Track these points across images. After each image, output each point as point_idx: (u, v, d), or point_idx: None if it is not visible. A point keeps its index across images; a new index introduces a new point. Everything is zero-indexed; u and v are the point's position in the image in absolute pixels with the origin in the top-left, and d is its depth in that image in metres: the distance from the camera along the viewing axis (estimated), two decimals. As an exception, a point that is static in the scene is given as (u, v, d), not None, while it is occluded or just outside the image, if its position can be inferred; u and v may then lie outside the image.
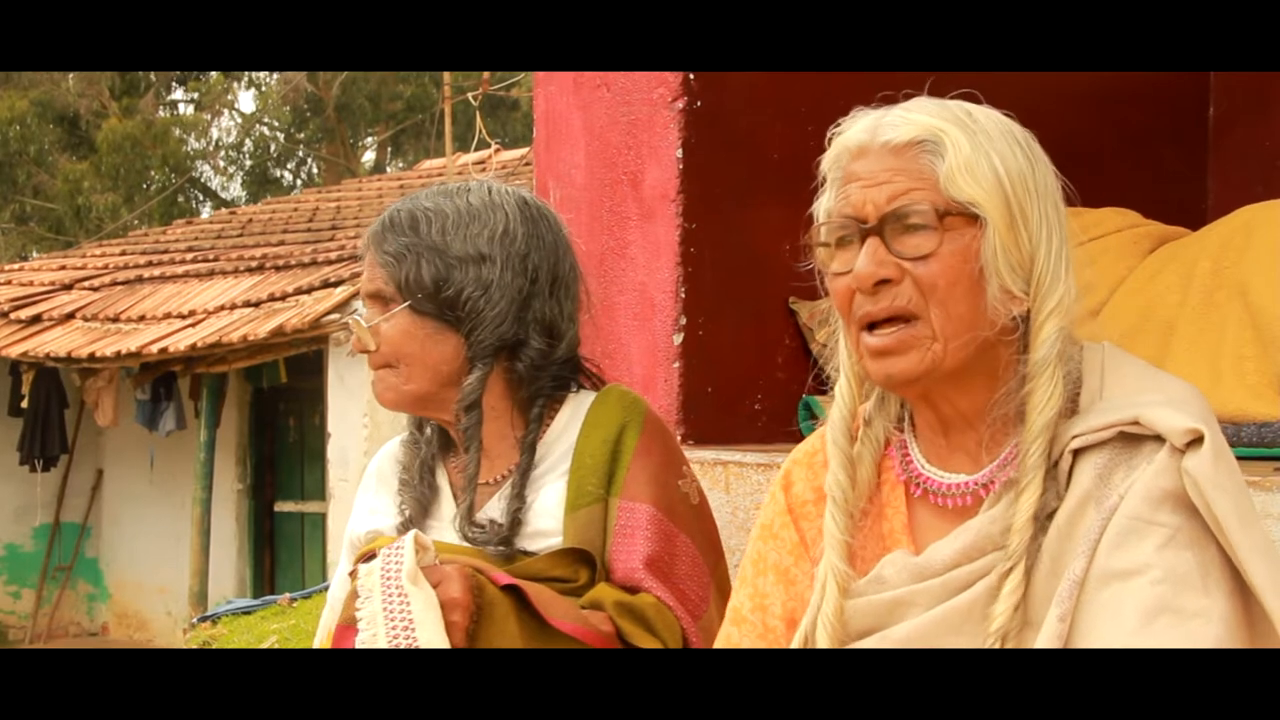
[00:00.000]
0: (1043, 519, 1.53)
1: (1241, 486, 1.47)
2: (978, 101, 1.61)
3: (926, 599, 1.57)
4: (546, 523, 2.08)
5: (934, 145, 1.54)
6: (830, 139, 1.64)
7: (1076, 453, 1.53)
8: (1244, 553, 1.42)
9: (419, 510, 2.16)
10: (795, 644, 1.66)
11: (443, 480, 2.20)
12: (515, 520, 2.08)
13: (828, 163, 1.64)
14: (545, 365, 2.15)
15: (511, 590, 1.94)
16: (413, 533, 1.94)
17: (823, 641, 1.61)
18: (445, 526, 2.15)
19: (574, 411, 2.17)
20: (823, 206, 1.64)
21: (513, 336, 2.12)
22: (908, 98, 1.62)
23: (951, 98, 1.61)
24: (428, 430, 2.24)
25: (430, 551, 1.93)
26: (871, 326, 1.57)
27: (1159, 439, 1.49)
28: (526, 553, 2.07)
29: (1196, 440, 1.46)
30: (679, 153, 2.84)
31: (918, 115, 1.57)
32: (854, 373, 1.68)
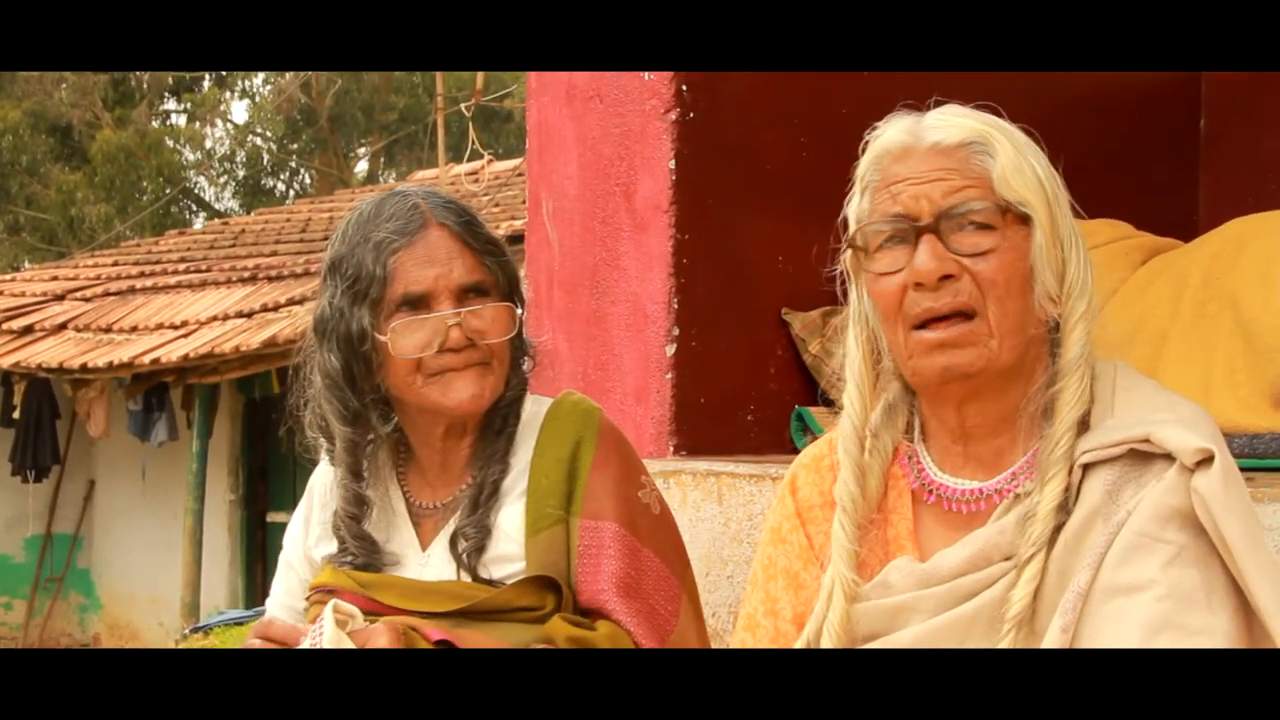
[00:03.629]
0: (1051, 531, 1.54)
1: (1249, 508, 1.48)
2: (998, 114, 1.63)
3: (931, 605, 1.58)
4: (508, 547, 2.01)
5: (983, 147, 1.57)
6: (864, 146, 1.65)
7: (1086, 468, 1.55)
8: (1250, 574, 1.43)
9: (368, 555, 2.05)
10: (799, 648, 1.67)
11: (396, 503, 2.11)
12: (486, 531, 2.01)
13: (864, 167, 1.64)
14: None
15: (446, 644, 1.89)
16: (331, 604, 1.87)
17: (827, 647, 1.62)
18: (402, 555, 2.07)
19: (528, 421, 2.10)
20: (856, 210, 1.64)
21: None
22: (932, 106, 1.64)
23: (974, 108, 1.63)
24: (365, 456, 2.11)
25: (356, 618, 1.87)
26: (924, 323, 1.58)
27: (1169, 457, 1.50)
28: (492, 581, 2.01)
29: (1207, 460, 1.47)
30: (672, 164, 2.85)
31: (960, 119, 1.59)
32: (865, 380, 1.68)
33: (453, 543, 2.02)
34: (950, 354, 1.57)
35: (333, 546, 2.10)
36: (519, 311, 2.07)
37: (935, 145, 1.58)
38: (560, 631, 1.94)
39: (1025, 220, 1.56)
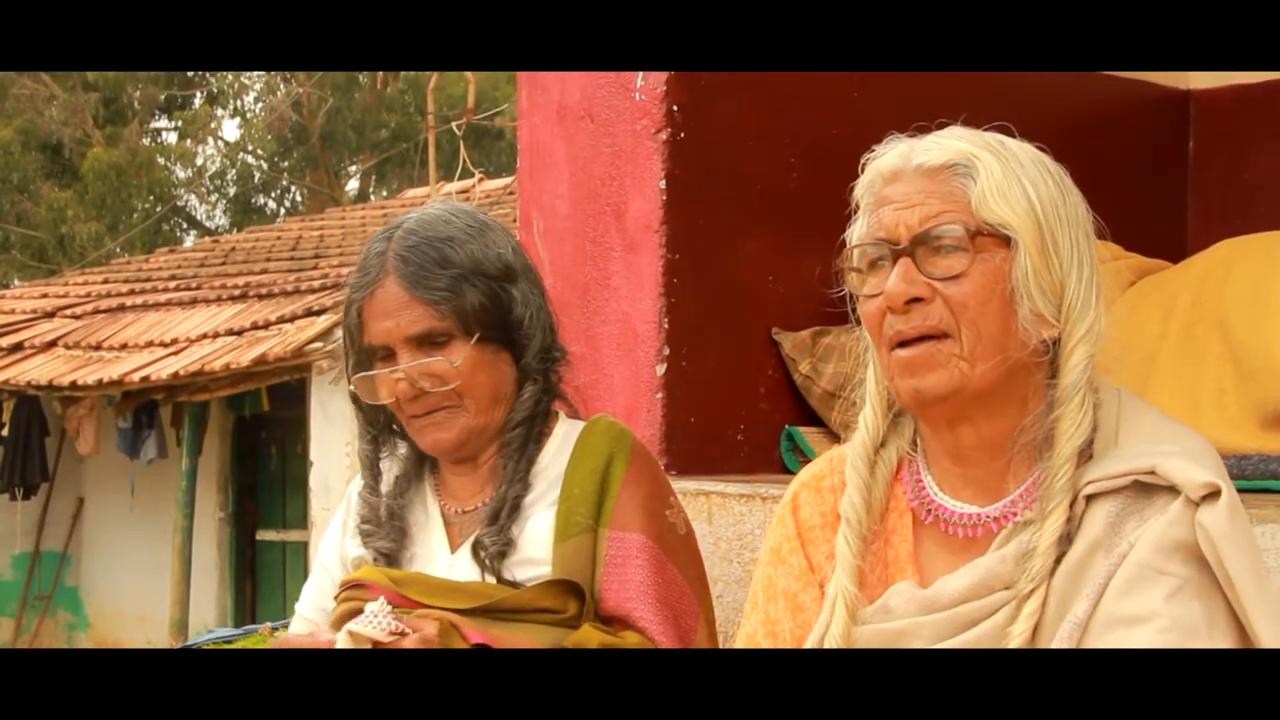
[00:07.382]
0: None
1: (1254, 543, 1.48)
2: (1010, 134, 1.63)
3: (931, 632, 1.58)
4: (536, 551, 2.06)
5: (966, 168, 1.57)
6: (864, 166, 1.66)
7: (1089, 498, 1.54)
8: (1253, 610, 1.43)
9: (396, 547, 2.12)
10: None
11: (431, 507, 2.17)
12: (508, 540, 2.05)
13: (861, 189, 1.66)
14: (560, 375, 2.16)
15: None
16: (381, 599, 1.92)
17: None
18: (432, 556, 2.13)
19: (563, 440, 2.15)
20: (855, 232, 1.65)
21: (548, 345, 2.13)
22: (938, 127, 1.65)
23: (986, 129, 1.64)
24: (393, 463, 2.20)
25: (379, 625, 1.89)
26: (903, 345, 1.58)
27: (1173, 490, 1.50)
28: (515, 583, 2.05)
29: (1212, 494, 1.47)
30: (662, 184, 2.85)
31: (951, 141, 1.60)
32: (880, 401, 1.69)
33: (474, 549, 2.07)
34: (920, 376, 1.57)
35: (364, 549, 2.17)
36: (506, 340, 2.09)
37: (919, 167, 1.59)
38: (592, 639, 1.98)
39: (1007, 242, 1.56)
